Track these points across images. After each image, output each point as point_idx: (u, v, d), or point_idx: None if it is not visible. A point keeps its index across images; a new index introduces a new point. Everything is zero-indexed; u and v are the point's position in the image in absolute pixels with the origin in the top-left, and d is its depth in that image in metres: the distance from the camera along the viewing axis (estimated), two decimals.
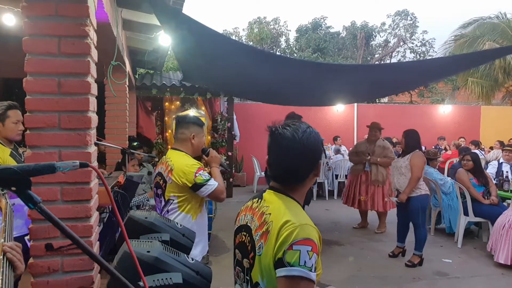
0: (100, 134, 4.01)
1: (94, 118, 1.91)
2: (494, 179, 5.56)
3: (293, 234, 1.12)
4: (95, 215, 1.94)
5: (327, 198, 8.09)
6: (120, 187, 3.08)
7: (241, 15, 62.23)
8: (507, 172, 5.64)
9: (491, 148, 9.27)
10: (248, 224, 1.30)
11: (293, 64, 4.28)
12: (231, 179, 8.10)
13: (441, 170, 7.76)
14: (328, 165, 8.08)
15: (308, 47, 21.49)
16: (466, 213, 4.99)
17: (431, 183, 5.29)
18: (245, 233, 1.31)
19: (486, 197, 4.99)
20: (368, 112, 10.48)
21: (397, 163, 4.60)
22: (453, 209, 5.36)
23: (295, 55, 21.17)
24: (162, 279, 1.33)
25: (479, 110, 11.54)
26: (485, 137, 10.68)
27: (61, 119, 1.78)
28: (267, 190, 1.33)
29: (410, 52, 23.04)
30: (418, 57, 22.40)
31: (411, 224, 4.49)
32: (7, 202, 1.40)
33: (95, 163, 2.03)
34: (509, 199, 5.00)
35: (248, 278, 1.27)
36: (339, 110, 10.35)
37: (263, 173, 8.52)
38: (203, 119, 2.95)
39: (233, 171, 8.64)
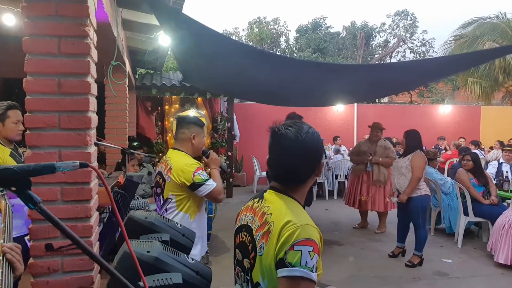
0: (100, 134, 4.01)
1: (94, 118, 1.91)
2: (494, 179, 5.56)
3: (295, 234, 1.12)
4: (95, 215, 1.94)
5: (327, 198, 8.09)
6: (120, 187, 3.08)
7: (241, 15, 62.30)
8: (507, 172, 5.64)
9: (491, 148, 9.27)
10: (249, 224, 1.30)
11: (293, 64, 4.28)
12: (231, 179, 8.10)
13: (441, 170, 7.76)
14: (328, 165, 8.08)
15: (308, 47, 21.49)
16: (466, 213, 4.99)
17: (431, 183, 5.29)
18: (245, 233, 1.31)
19: (486, 197, 4.99)
20: (368, 112, 10.48)
21: (397, 163, 4.60)
22: (453, 209, 5.36)
23: (295, 55, 21.17)
24: (162, 279, 1.32)
25: (479, 110, 11.54)
26: (485, 137, 10.68)
27: (61, 119, 1.78)
28: (267, 190, 1.33)
29: (410, 52, 23.06)
30: (418, 57, 22.40)
31: (411, 224, 4.49)
32: (6, 203, 1.40)
33: (95, 163, 2.03)
34: (509, 199, 5.00)
35: (248, 278, 1.27)
36: (339, 110, 10.35)
37: (263, 173, 8.53)
38: (203, 119, 2.96)
39: (233, 171, 8.64)
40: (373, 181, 5.56)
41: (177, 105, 9.02)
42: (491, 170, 6.08)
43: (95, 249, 1.96)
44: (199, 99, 8.78)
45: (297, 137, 1.23)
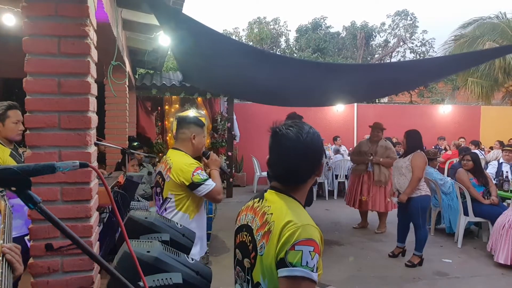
0: (100, 134, 4.01)
1: (94, 118, 1.91)
2: (494, 179, 5.56)
3: (296, 234, 1.12)
4: (95, 215, 1.94)
5: (327, 198, 8.09)
6: (120, 187, 3.09)
7: (241, 15, 62.32)
8: (507, 172, 5.64)
9: (491, 148, 9.27)
10: (249, 224, 1.30)
11: (293, 64, 4.28)
12: (231, 179, 8.10)
13: (441, 170, 7.76)
14: (328, 165, 8.08)
15: (308, 47, 21.49)
16: (466, 213, 4.99)
17: (431, 183, 5.29)
18: (246, 233, 1.31)
19: (486, 197, 4.99)
20: (368, 112, 10.49)
21: (397, 164, 4.60)
22: (453, 209, 5.36)
23: (295, 55, 21.17)
24: (162, 279, 1.33)
25: (479, 110, 11.54)
26: (485, 137, 10.68)
27: (61, 119, 1.78)
28: (268, 190, 1.33)
29: (410, 52, 23.06)
30: (418, 57, 22.41)
31: (411, 225, 4.49)
32: (6, 204, 1.40)
33: (95, 163, 2.03)
34: (509, 199, 5.00)
35: (249, 278, 1.27)
36: (339, 110, 10.35)
37: (263, 173, 8.53)
38: (203, 119, 2.97)
39: (233, 171, 8.64)
40: (374, 181, 5.56)
41: (177, 105, 9.02)
42: (491, 170, 6.08)
43: (95, 249, 1.96)
44: (199, 99, 8.78)
45: (298, 137, 1.23)
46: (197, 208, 2.45)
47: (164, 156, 2.58)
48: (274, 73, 4.17)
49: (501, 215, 4.53)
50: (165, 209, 2.41)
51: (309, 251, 1.11)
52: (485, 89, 13.02)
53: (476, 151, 7.47)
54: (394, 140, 8.32)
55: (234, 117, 8.19)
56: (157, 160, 7.24)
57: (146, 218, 1.71)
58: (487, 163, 7.32)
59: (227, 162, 8.05)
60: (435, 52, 21.92)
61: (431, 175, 5.35)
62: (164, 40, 4.91)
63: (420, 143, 4.46)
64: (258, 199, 1.34)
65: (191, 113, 8.47)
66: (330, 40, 22.95)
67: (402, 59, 21.98)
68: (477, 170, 5.15)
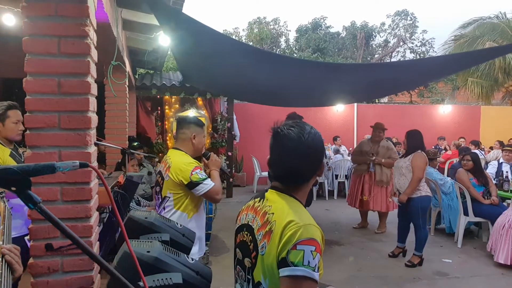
0: (100, 134, 4.01)
1: (94, 118, 1.91)
2: (494, 179, 5.56)
3: (297, 234, 1.12)
4: (95, 215, 1.94)
5: (327, 198, 8.08)
6: (120, 187, 3.08)
7: (241, 15, 62.34)
8: (507, 172, 5.64)
9: (491, 148, 9.27)
10: (250, 223, 1.30)
11: (293, 64, 4.28)
12: (231, 179, 8.10)
13: (441, 170, 7.76)
14: (328, 165, 8.09)
15: (308, 47, 21.49)
16: (466, 213, 4.99)
17: (431, 183, 5.29)
18: (246, 232, 1.31)
19: (486, 197, 4.99)
20: (368, 112, 10.49)
21: (398, 164, 4.60)
22: (453, 209, 5.36)
23: (295, 55, 21.17)
24: (162, 279, 1.33)
25: (479, 110, 11.54)
26: (485, 137, 10.68)
27: (61, 119, 1.78)
28: (269, 189, 1.33)
29: (410, 52, 23.07)
30: (418, 57, 22.41)
31: (411, 225, 4.49)
32: (5, 206, 1.40)
33: (95, 163, 2.03)
34: (509, 199, 5.00)
35: (249, 277, 1.27)
36: (339, 110, 10.35)
37: (263, 173, 8.53)
38: (203, 119, 2.98)
39: (233, 171, 8.64)
40: (376, 181, 5.57)
41: (177, 106, 9.02)
42: (491, 170, 6.07)
43: (95, 249, 1.96)
44: (199, 99, 8.78)
45: (299, 137, 1.24)
46: (195, 207, 2.46)
47: (165, 156, 2.60)
48: (274, 73, 4.17)
49: (501, 215, 4.53)
50: (164, 208, 2.43)
51: (311, 251, 1.11)
52: (485, 89, 13.01)
53: (476, 151, 7.48)
54: (394, 140, 8.32)
55: (234, 117, 8.19)
56: (157, 160, 7.24)
57: (146, 218, 1.71)
58: (487, 163, 7.32)
59: (227, 162, 8.05)
60: (435, 52, 21.95)
61: (431, 175, 5.35)
62: (164, 40, 4.91)
63: (421, 143, 4.45)
64: (259, 198, 1.35)
65: (191, 113, 8.47)
66: (330, 40, 22.95)
67: (402, 59, 21.98)
68: (477, 170, 5.15)
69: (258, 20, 23.29)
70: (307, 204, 1.31)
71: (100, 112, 2.47)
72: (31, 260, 1.77)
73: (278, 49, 23.20)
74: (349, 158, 8.08)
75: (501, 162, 6.03)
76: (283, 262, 1.12)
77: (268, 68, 4.00)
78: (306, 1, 59.07)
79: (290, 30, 26.18)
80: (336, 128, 10.10)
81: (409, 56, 22.91)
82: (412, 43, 23.28)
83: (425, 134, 4.53)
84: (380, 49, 24.46)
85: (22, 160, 2.67)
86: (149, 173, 5.52)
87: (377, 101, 14.36)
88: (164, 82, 7.70)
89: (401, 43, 23.14)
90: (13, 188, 0.83)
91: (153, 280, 1.31)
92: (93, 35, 1.92)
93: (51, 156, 1.77)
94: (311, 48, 21.34)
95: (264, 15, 38.84)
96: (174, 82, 7.62)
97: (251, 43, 19.53)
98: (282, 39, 24.23)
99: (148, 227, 1.67)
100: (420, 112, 11.08)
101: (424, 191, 4.32)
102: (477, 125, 11.22)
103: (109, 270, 0.92)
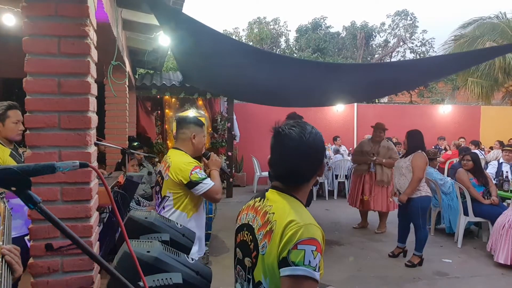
0: (100, 134, 4.01)
1: (94, 118, 1.91)
2: (494, 179, 5.56)
3: (298, 233, 1.12)
4: (95, 215, 1.94)
5: (327, 198, 8.08)
6: (120, 187, 3.08)
7: (241, 15, 62.36)
8: (507, 172, 5.64)
9: (491, 148, 9.27)
10: (250, 223, 1.30)
11: (293, 64, 4.28)
12: (231, 179, 8.10)
13: (441, 170, 7.76)
14: (328, 165, 8.09)
15: (308, 47, 21.50)
16: (466, 213, 4.99)
17: (431, 183, 5.29)
18: (247, 232, 1.31)
19: (486, 197, 4.99)
20: (368, 112, 10.49)
21: (398, 164, 4.60)
22: (453, 209, 5.36)
23: (295, 55, 21.18)
24: (162, 279, 1.33)
25: (479, 110, 11.54)
26: (485, 137, 10.68)
27: (61, 119, 1.78)
28: (269, 189, 1.33)
29: (410, 52, 23.08)
30: (418, 57, 22.41)
31: (412, 225, 4.48)
32: (5, 206, 1.41)
33: (95, 163, 2.03)
34: (509, 199, 5.00)
35: (249, 277, 1.27)
36: (339, 110, 10.35)
37: (263, 173, 8.53)
38: (203, 119, 2.98)
39: (233, 171, 8.64)
40: (376, 181, 5.57)
41: (177, 107, 9.01)
42: (491, 170, 6.07)
43: (95, 249, 1.96)
44: (199, 99, 8.78)
45: (301, 137, 1.24)
46: (195, 207, 2.46)
47: (165, 156, 2.61)
48: (274, 73, 4.17)
49: (501, 215, 4.52)
50: (163, 208, 2.43)
51: (312, 251, 1.11)
52: (485, 89, 13.01)
53: (476, 151, 7.47)
54: (394, 140, 8.32)
55: (234, 117, 8.19)
56: (157, 160, 7.24)
57: (146, 218, 1.71)
58: (487, 163, 7.31)
59: (227, 162, 8.05)
60: (435, 52, 21.96)
61: (431, 175, 5.35)
62: (164, 40, 4.91)
63: (422, 143, 4.45)
64: (259, 198, 1.35)
65: (191, 113, 8.47)
66: (330, 40, 22.96)
67: (402, 59, 21.99)
68: (477, 170, 5.15)
69: (258, 20, 23.30)
70: (307, 204, 1.31)
71: (100, 112, 2.47)
72: (31, 260, 1.77)
73: (278, 49, 23.21)
74: (349, 158, 8.09)
75: (501, 162, 6.03)
76: (283, 262, 1.12)
77: (268, 68, 4.00)
78: (306, 1, 59.13)
79: (290, 30, 26.25)
80: (336, 128, 10.09)
81: (409, 56, 22.92)
82: (412, 43, 23.30)
83: (425, 134, 4.53)
84: (380, 49, 24.46)
85: (22, 160, 2.67)
86: (149, 173, 5.52)
87: (377, 101, 14.36)
88: (164, 82, 7.70)
89: (401, 43, 23.15)
90: (13, 188, 0.83)
91: (153, 280, 1.31)
92: (93, 35, 1.92)
93: (51, 156, 1.77)
94: (311, 48, 21.35)
95: (264, 15, 38.89)
96: (174, 82, 7.62)
97: (251, 43, 19.53)
98: (282, 39, 24.24)
99: (148, 227, 1.67)
100: (420, 112, 11.08)
101: (424, 191, 4.31)
102: (477, 125, 11.22)
103: (109, 270, 0.92)
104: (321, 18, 23.90)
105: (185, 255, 1.53)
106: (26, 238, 2.19)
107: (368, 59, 23.13)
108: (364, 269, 4.29)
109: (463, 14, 39.03)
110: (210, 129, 8.91)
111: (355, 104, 10.26)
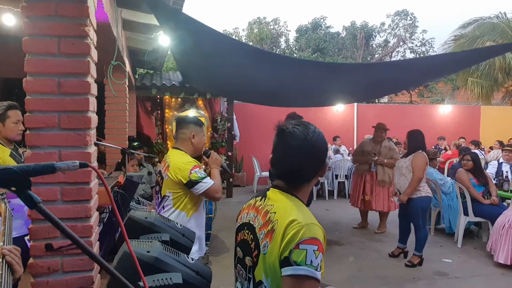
0: (100, 134, 4.01)
1: (94, 118, 1.91)
2: (494, 179, 5.56)
3: (300, 233, 1.12)
4: (95, 215, 1.94)
5: (327, 198, 8.08)
6: (120, 187, 3.08)
7: (241, 15, 62.38)
8: (507, 172, 5.64)
9: (491, 148, 9.27)
10: (251, 222, 1.30)
11: (293, 64, 4.28)
12: (231, 179, 8.10)
13: (441, 170, 7.76)
14: (328, 165, 8.08)
15: (308, 47, 21.50)
16: (466, 213, 4.99)
17: (431, 183, 5.29)
18: (247, 231, 1.31)
19: (486, 197, 4.99)
20: (368, 112, 10.49)
21: (398, 164, 4.60)
22: (453, 209, 5.36)
23: (295, 55, 21.18)
24: (162, 279, 1.33)
25: (479, 110, 11.54)
26: (485, 137, 10.69)
27: (61, 119, 1.78)
28: (270, 188, 1.33)
29: (410, 52, 23.08)
30: (418, 57, 22.41)
31: (412, 225, 4.49)
32: (6, 207, 1.41)
33: (95, 163, 2.03)
34: (509, 199, 5.00)
35: (250, 276, 1.27)
36: (339, 110, 10.35)
37: (263, 173, 8.53)
38: (202, 119, 2.99)
39: (233, 171, 8.64)
40: (378, 181, 5.58)
41: (177, 107, 9.01)
42: (491, 170, 6.07)
43: (95, 249, 1.96)
44: (199, 99, 8.78)
45: (305, 136, 1.24)
46: (195, 206, 2.46)
47: (165, 156, 2.61)
48: (274, 73, 4.17)
49: (501, 215, 4.53)
50: (163, 207, 2.43)
51: (313, 250, 1.11)
52: (485, 89, 13.01)
53: (476, 151, 7.47)
54: (394, 140, 8.32)
55: (234, 117, 8.19)
56: (157, 160, 7.24)
57: (146, 218, 1.71)
58: (487, 163, 7.31)
59: (227, 162, 8.05)
60: (435, 52, 21.94)
61: (431, 175, 5.35)
62: (164, 40, 4.91)
63: (422, 143, 4.44)
64: (260, 197, 1.34)
65: (191, 113, 8.47)
66: (330, 40, 22.97)
67: (402, 59, 21.98)
68: (477, 170, 5.15)
69: (258, 20, 23.30)
70: (307, 204, 1.31)
71: (100, 112, 2.47)
72: (31, 260, 1.77)
73: (278, 49, 23.21)
74: (349, 158, 8.09)
75: (501, 162, 6.03)
76: (285, 261, 1.12)
77: (268, 68, 4.00)
78: (306, 1, 59.13)
79: (290, 30, 26.28)
80: (336, 128, 10.09)
81: (409, 56, 22.93)
82: (412, 43, 23.31)
83: (425, 134, 4.53)
84: (380, 49, 24.47)
85: (22, 160, 2.67)
86: (149, 173, 5.52)
87: (377, 101, 14.36)
88: (164, 82, 7.70)
89: (401, 43, 23.15)
90: (13, 188, 0.83)
91: (153, 280, 1.31)
92: (93, 35, 1.92)
93: (51, 156, 1.77)
94: (311, 48, 21.35)
95: (264, 15, 38.92)
96: (174, 82, 7.62)
97: (251, 43, 19.53)
98: (282, 39, 24.25)
99: (148, 227, 1.67)
100: (420, 112, 11.08)
101: (424, 192, 4.31)
102: (477, 125, 11.22)
103: (109, 270, 0.92)
104: (321, 18, 23.91)
105: (185, 255, 1.53)
106: (26, 238, 2.19)
107: (368, 59, 23.14)
108: (364, 269, 4.29)
109: (463, 14, 39.07)
110: (210, 129, 8.91)
111: (355, 104, 10.26)
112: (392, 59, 22.81)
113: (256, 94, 5.82)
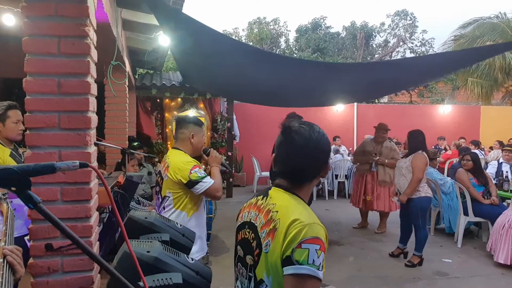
0: (100, 134, 4.02)
1: (94, 118, 1.91)
2: (494, 179, 5.56)
3: (302, 232, 1.13)
4: (95, 215, 1.94)
5: (327, 198, 8.08)
6: (120, 187, 3.08)
7: (241, 15, 62.39)
8: (507, 172, 5.64)
9: (491, 148, 9.27)
10: (252, 221, 1.30)
11: (293, 64, 4.28)
12: (231, 179, 8.10)
13: (441, 170, 7.76)
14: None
15: (308, 47, 21.51)
16: (466, 213, 4.99)
17: (431, 183, 5.29)
18: (249, 230, 1.31)
19: (486, 197, 4.99)
20: (368, 112, 10.49)
21: (399, 164, 4.60)
22: (453, 209, 5.36)
23: (295, 55, 21.18)
24: (162, 279, 1.32)
25: (479, 110, 11.54)
26: (485, 137, 10.69)
27: (61, 119, 1.78)
28: (272, 187, 1.33)
29: (410, 52, 23.09)
30: (418, 56, 22.42)
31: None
32: (8, 207, 1.41)
33: (95, 163, 2.03)
34: (509, 199, 5.01)
35: (251, 274, 1.27)
36: (339, 110, 10.35)
37: (263, 173, 8.53)
38: (202, 119, 2.99)
39: (233, 171, 8.64)
40: (379, 181, 5.58)
41: (177, 107, 9.01)
42: (491, 170, 6.07)
43: (95, 249, 1.96)
44: (199, 99, 8.78)
45: (310, 135, 1.25)
46: (195, 206, 2.46)
47: (165, 156, 2.61)
48: (274, 73, 4.17)
49: (501, 215, 4.53)
50: (164, 208, 2.43)
51: (316, 249, 1.11)
52: (485, 89, 13.02)
53: (476, 151, 7.48)
54: (395, 140, 8.31)
55: (234, 117, 8.19)
56: (157, 160, 7.24)
57: (146, 218, 1.71)
58: (487, 163, 7.31)
59: (227, 162, 8.05)
60: (435, 52, 21.94)
61: (431, 175, 5.35)
62: (164, 40, 4.91)
63: (423, 144, 4.43)
64: (262, 196, 1.34)
65: (191, 113, 8.47)
66: (330, 40, 22.97)
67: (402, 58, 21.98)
68: (477, 170, 5.15)
69: (258, 20, 23.30)
70: (307, 204, 1.31)
71: (100, 112, 2.48)
72: (31, 260, 1.77)
73: (278, 49, 23.22)
74: (349, 158, 8.09)
75: (501, 162, 6.03)
76: (287, 261, 1.12)
77: (268, 68, 4.00)
78: (306, 1, 59.13)
79: (290, 30, 26.26)
80: (336, 128, 10.09)
81: (409, 56, 22.92)
82: (412, 43, 23.33)
83: (425, 134, 4.53)
84: (380, 49, 24.48)
85: (22, 160, 2.67)
86: (149, 173, 5.52)
87: (377, 101, 14.34)
88: (164, 82, 7.69)
89: (401, 43, 23.17)
90: (13, 188, 0.83)
91: (153, 280, 1.31)
92: (93, 35, 1.92)
93: (51, 156, 1.77)
94: (311, 48, 21.35)
95: (264, 15, 38.93)
96: (174, 82, 7.62)
97: (251, 43, 19.53)
98: (282, 39, 24.26)
99: (148, 227, 1.67)
100: (420, 112, 11.08)
101: (424, 192, 4.31)
102: (477, 125, 11.22)
103: (109, 270, 0.92)
104: (321, 18, 23.92)
105: (185, 255, 1.53)
106: (26, 238, 2.19)
107: (368, 59, 23.14)
108: (364, 269, 4.29)
109: (463, 14, 39.00)
110: (210, 129, 8.91)
111: (355, 104, 10.26)
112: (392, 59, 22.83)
113: (256, 94, 5.82)
